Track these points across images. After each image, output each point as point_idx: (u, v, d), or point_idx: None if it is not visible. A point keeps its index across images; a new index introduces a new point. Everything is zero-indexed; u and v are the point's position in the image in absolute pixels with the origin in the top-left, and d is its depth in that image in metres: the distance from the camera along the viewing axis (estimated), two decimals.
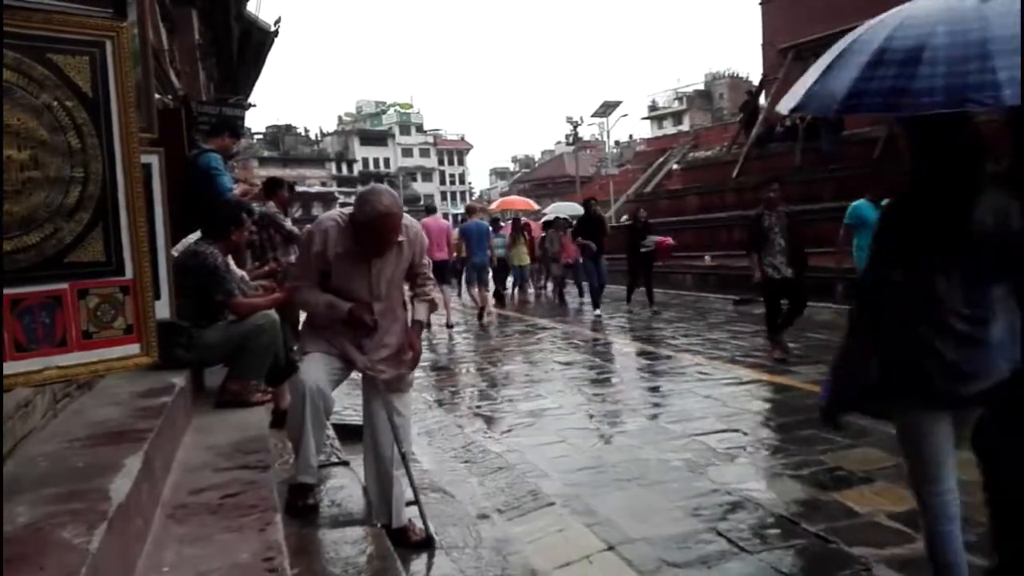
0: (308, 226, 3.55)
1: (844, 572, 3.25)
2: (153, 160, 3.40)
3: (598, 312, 12.90)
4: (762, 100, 19.89)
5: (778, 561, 3.39)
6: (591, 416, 6.22)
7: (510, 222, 18.55)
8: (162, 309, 3.25)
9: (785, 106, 3.06)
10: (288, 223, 8.01)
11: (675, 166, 26.21)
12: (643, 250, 13.26)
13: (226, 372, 4.27)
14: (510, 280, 17.39)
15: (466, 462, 5.21)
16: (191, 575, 2.11)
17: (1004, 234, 2.35)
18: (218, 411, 4.07)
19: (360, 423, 5.37)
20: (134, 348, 2.29)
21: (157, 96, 5.04)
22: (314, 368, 3.45)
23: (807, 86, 2.82)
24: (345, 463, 4.15)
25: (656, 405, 6.52)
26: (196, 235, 4.53)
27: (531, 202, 28.23)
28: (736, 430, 5.56)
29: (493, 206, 27.76)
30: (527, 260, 16.75)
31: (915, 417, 2.64)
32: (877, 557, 3.34)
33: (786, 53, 18.11)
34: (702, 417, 5.99)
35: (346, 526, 3.31)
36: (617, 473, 4.74)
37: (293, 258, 8.14)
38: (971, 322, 2.41)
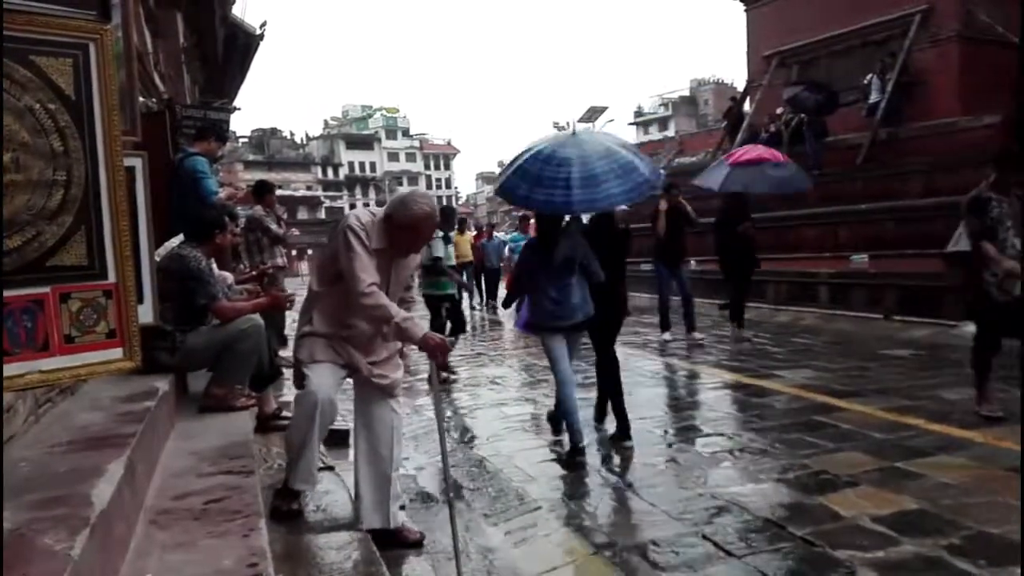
0: (348, 223, 3.37)
1: (829, 575, 3.26)
2: (137, 163, 3.39)
3: (697, 336, 10.00)
4: (746, 106, 19.99)
5: (763, 565, 3.39)
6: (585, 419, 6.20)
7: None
8: (145, 313, 3.23)
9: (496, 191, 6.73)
10: (275, 226, 7.99)
11: (662, 171, 26.30)
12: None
13: (210, 377, 4.25)
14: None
15: (452, 467, 5.18)
16: None
17: (573, 255, 5.11)
18: (202, 416, 4.05)
19: (344, 428, 5.35)
20: (117, 352, 2.27)
21: (141, 99, 5.01)
22: (326, 379, 3.44)
23: (505, 176, 5.51)
24: (331, 468, 4.13)
25: (641, 409, 6.53)
26: (179, 238, 4.50)
27: None
28: (721, 434, 5.58)
29: None
30: None
31: (548, 336, 5.30)
32: (862, 560, 3.35)
33: (770, 60, 18.23)
34: (687, 421, 6.01)
35: (332, 531, 3.29)
36: (603, 477, 4.74)
37: (280, 261, 8.13)
38: (559, 292, 5.12)
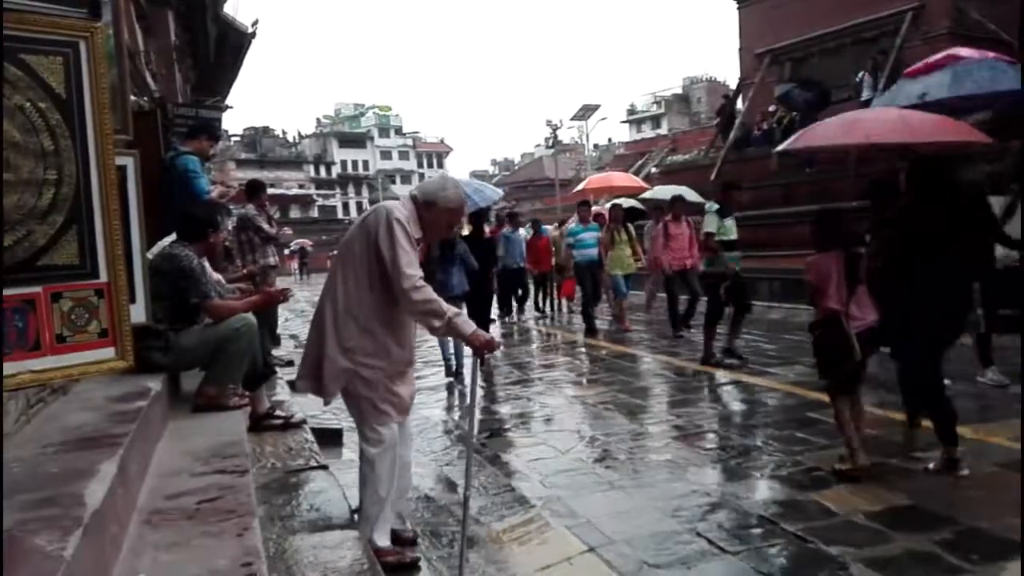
0: (394, 215, 3.26)
1: (822, 572, 3.27)
2: (128, 162, 3.37)
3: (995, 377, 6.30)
4: (739, 104, 20.03)
5: (757, 561, 3.41)
6: (572, 419, 6.23)
7: (606, 209, 13.38)
8: (137, 312, 3.21)
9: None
10: (267, 225, 7.97)
11: (654, 169, 26.30)
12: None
13: (203, 376, 4.23)
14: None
15: (447, 465, 5.19)
16: None
17: (457, 251, 7.87)
18: (195, 416, 4.03)
19: (336, 427, 5.34)
20: (109, 352, 2.26)
21: (132, 98, 4.99)
22: (396, 432, 3.48)
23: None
24: (324, 467, 4.11)
25: (636, 407, 6.54)
26: (171, 237, 4.48)
27: (637, 179, 18.54)
28: (715, 431, 5.59)
29: (582, 185, 18.86)
30: (632, 266, 11.55)
31: None
32: (854, 556, 3.36)
33: (763, 58, 18.25)
34: (681, 418, 6.02)
35: (325, 531, 3.28)
36: (597, 475, 4.75)
37: (272, 260, 8.12)
38: (445, 276, 7.67)
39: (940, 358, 4.43)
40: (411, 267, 3.21)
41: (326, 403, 3.46)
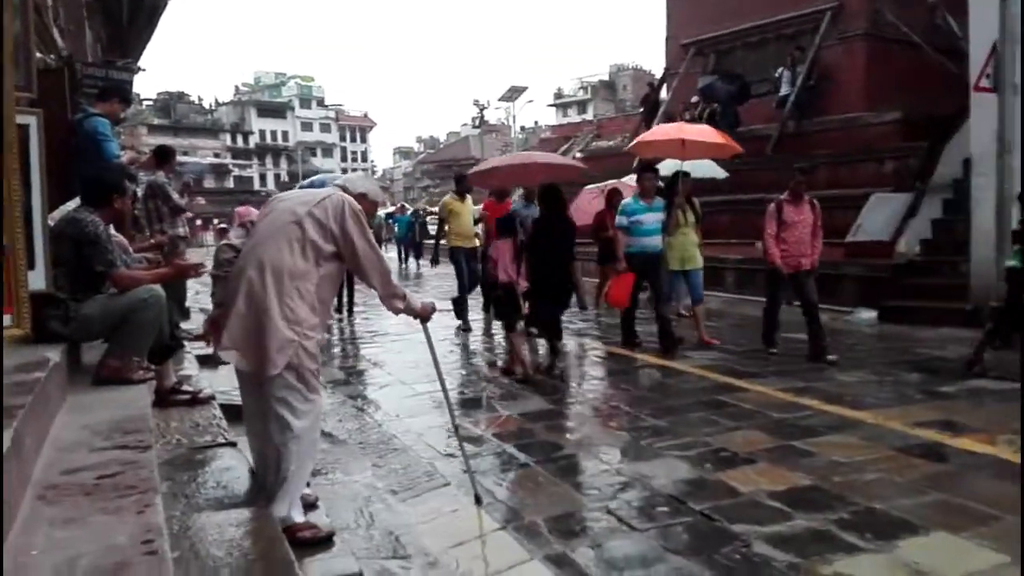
0: (354, 207, 3.44)
1: (726, 548, 3.37)
2: (31, 121, 3.22)
3: None
4: (663, 93, 20.30)
5: (664, 539, 3.50)
6: (488, 399, 6.25)
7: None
8: (36, 279, 3.07)
9: None
10: (176, 195, 7.71)
11: (578, 154, 26.51)
12: None
13: (105, 347, 4.06)
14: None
15: (360, 444, 5.15)
16: (62, 558, 2.00)
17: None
18: (96, 389, 3.87)
19: None
20: (5, 319, 2.15)
21: (38, 54, 4.74)
22: None
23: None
24: (232, 444, 4.02)
25: (551, 388, 6.61)
26: (75, 202, 4.28)
27: (720, 136, 9.62)
28: (627, 412, 5.69)
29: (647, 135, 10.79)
30: (699, 259, 8.69)
31: None
32: (757, 534, 3.48)
33: (688, 48, 18.53)
34: (594, 399, 6.11)
35: (232, 508, 3.22)
36: (510, 454, 4.78)
37: (181, 231, 7.87)
38: None
39: (555, 310, 7.09)
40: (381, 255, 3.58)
41: (268, 375, 3.27)
